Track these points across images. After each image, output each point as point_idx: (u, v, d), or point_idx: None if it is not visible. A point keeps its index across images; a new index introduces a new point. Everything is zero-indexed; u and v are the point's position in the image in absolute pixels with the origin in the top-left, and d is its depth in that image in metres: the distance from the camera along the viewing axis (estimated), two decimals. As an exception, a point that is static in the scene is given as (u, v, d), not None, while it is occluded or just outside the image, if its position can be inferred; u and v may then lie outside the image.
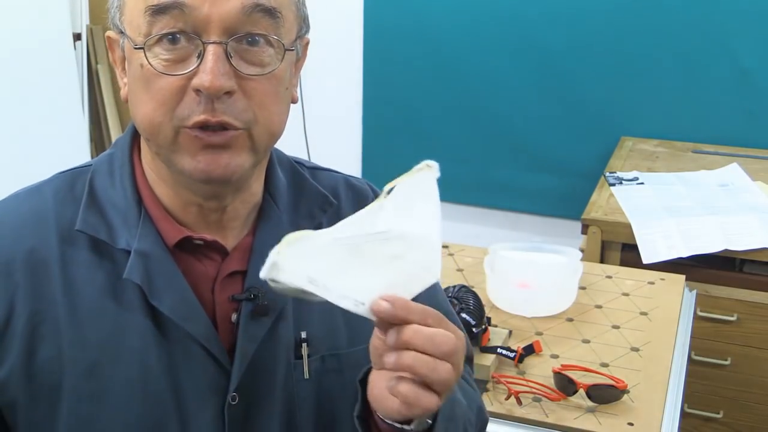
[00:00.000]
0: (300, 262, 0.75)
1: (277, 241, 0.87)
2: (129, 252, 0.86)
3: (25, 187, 0.93)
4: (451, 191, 3.27)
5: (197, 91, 0.80)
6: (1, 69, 2.70)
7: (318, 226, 0.95)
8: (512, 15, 2.92)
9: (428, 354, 0.75)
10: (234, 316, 0.89)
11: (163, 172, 0.88)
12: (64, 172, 0.93)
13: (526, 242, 1.88)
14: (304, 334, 0.92)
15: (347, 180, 1.05)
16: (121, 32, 0.85)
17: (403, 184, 0.82)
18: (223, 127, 0.81)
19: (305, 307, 0.92)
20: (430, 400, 0.76)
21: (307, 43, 0.92)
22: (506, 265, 1.77)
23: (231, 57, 0.80)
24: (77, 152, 2.93)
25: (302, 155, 3.70)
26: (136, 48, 0.81)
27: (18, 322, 0.84)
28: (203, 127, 0.81)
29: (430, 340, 0.75)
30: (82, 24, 3.17)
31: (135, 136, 0.93)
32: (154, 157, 0.87)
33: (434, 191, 0.84)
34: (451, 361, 0.77)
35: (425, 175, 0.84)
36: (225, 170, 0.82)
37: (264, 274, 0.74)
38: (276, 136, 0.87)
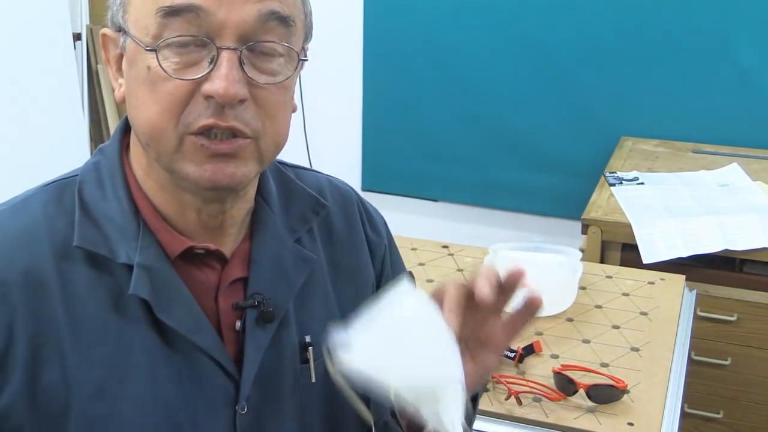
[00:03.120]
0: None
1: (275, 245, 0.90)
2: (129, 266, 0.83)
3: (6, 202, 0.89)
4: (451, 191, 3.28)
5: (208, 97, 0.77)
6: (1, 69, 2.70)
7: (310, 230, 0.96)
8: (512, 15, 2.92)
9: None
10: (238, 324, 0.87)
11: (161, 177, 0.85)
12: (47, 184, 0.89)
13: (526, 242, 1.88)
14: (308, 338, 0.91)
15: (330, 180, 1.04)
16: (123, 31, 0.81)
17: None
18: (232, 134, 0.79)
19: (307, 311, 0.92)
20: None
21: (306, 51, 0.89)
22: (506, 265, 1.76)
23: (244, 64, 0.78)
24: (77, 152, 2.93)
25: (302, 155, 3.69)
26: (147, 50, 0.78)
27: (18, 347, 0.80)
28: (208, 133, 0.78)
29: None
30: (82, 24, 3.17)
31: (122, 144, 0.89)
32: (151, 163, 0.84)
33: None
34: None
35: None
36: (231, 179, 0.80)
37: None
38: (281, 146, 0.86)
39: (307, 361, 0.91)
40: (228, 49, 0.77)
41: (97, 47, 3.29)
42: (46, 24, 2.88)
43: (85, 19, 3.19)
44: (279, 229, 0.92)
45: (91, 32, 3.25)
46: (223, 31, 0.77)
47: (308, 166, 1.05)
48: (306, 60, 0.84)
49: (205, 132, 0.78)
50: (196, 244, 0.86)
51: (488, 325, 0.88)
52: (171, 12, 0.76)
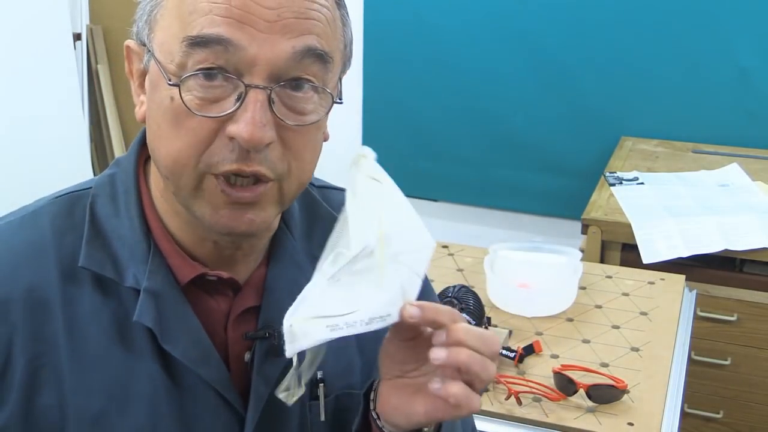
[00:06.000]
0: (311, 320, 0.71)
1: (293, 274, 0.84)
2: (137, 290, 0.79)
3: (15, 212, 0.85)
4: (451, 191, 3.28)
5: (233, 138, 0.72)
6: (1, 69, 2.70)
7: None
8: (512, 15, 2.92)
9: (479, 352, 0.73)
10: (247, 355, 0.83)
11: (178, 206, 0.80)
12: (60, 195, 0.85)
13: (526, 242, 1.88)
14: (320, 374, 0.86)
15: None
16: (147, 49, 0.76)
17: (351, 193, 0.75)
18: (256, 178, 0.74)
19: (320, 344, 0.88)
20: (476, 400, 0.74)
21: (342, 82, 0.83)
22: (506, 265, 1.77)
23: (273, 104, 0.72)
24: (77, 152, 2.93)
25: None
26: (170, 84, 0.73)
27: (16, 368, 0.77)
28: (230, 177, 0.74)
29: (481, 339, 0.73)
30: (82, 24, 3.18)
31: (140, 157, 0.85)
32: (168, 186, 0.79)
33: (384, 179, 0.77)
34: (495, 360, 0.76)
35: (367, 167, 0.77)
36: (249, 227, 0.76)
37: (289, 352, 0.71)
38: (305, 185, 0.81)
39: (317, 397, 0.86)
40: (257, 87, 0.71)
41: (97, 47, 3.29)
42: (46, 24, 2.88)
43: (85, 19, 3.19)
44: (298, 255, 0.87)
45: (91, 32, 3.25)
46: (253, 68, 0.71)
47: (337, 186, 0.99)
48: (341, 102, 0.79)
49: (228, 176, 0.74)
50: (209, 271, 0.82)
51: (422, 370, 0.79)
52: (197, 42, 0.71)
